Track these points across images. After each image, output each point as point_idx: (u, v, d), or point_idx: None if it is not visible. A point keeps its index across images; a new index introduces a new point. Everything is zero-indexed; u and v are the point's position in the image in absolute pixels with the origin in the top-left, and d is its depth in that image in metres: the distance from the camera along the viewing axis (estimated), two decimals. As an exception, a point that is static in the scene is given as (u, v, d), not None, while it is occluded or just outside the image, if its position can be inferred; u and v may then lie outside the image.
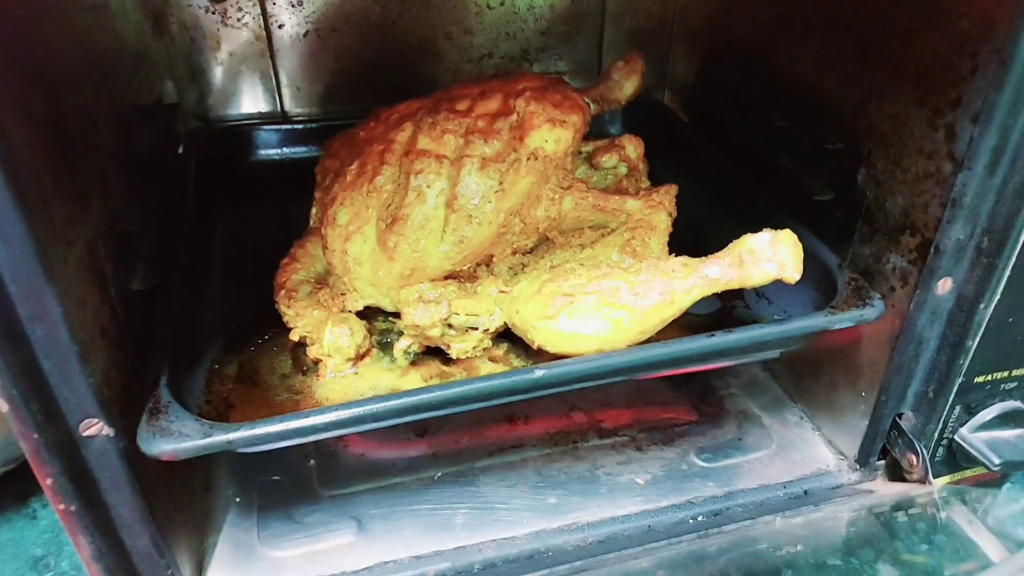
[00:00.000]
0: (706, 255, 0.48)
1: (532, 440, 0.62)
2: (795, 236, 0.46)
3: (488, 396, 0.46)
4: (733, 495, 0.58)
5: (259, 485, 0.57)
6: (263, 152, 0.75)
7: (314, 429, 0.42)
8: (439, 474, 0.59)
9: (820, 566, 0.53)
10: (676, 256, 0.50)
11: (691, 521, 0.56)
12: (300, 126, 0.75)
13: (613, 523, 0.55)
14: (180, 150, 0.67)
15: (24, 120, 0.34)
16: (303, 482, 0.58)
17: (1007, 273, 0.48)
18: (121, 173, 0.48)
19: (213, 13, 0.70)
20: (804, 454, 0.61)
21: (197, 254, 0.58)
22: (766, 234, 0.46)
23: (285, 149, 0.75)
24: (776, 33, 0.62)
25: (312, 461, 0.59)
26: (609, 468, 0.60)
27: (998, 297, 0.49)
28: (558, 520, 0.56)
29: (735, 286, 0.47)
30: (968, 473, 0.60)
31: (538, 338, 0.49)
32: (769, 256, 0.45)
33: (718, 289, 0.47)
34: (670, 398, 0.68)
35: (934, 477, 0.59)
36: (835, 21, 0.55)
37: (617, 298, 0.47)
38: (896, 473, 0.59)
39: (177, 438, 0.41)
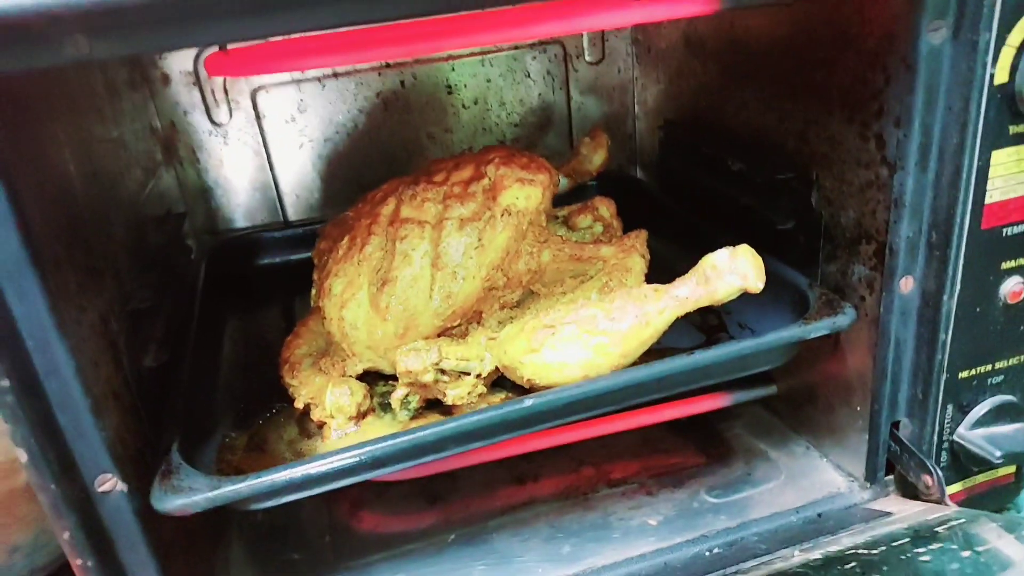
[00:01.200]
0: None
1: (543, 497, 0.63)
2: (751, 248, 0.49)
3: (482, 431, 0.47)
4: (746, 525, 0.57)
5: (277, 564, 0.58)
6: (268, 256, 0.81)
7: (318, 476, 0.44)
8: (452, 536, 0.59)
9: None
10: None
11: (707, 554, 0.55)
12: (301, 230, 0.81)
13: (629, 564, 0.55)
14: (192, 257, 0.73)
15: (38, 195, 0.39)
16: (319, 557, 0.58)
17: (961, 262, 0.50)
18: (133, 262, 0.53)
19: (216, 136, 0.78)
20: (814, 480, 0.61)
21: (208, 339, 0.62)
22: (725, 250, 0.49)
23: (288, 252, 0.80)
24: (720, 90, 0.68)
25: (327, 537, 0.60)
26: (621, 514, 0.60)
27: (959, 287, 0.51)
28: (574, 567, 0.55)
29: (704, 303, 0.49)
30: (980, 479, 0.59)
31: (527, 373, 0.51)
32: (731, 269, 0.48)
33: (689, 307, 0.50)
34: (676, 445, 0.68)
35: (946, 486, 0.58)
36: (767, 67, 0.60)
37: (595, 325, 0.49)
38: (908, 488, 0.58)
39: (187, 493, 0.43)
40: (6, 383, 0.36)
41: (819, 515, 0.58)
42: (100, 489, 0.41)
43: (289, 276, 0.77)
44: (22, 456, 0.37)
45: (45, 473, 0.38)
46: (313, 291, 0.64)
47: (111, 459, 0.41)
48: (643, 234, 0.61)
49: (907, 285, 0.52)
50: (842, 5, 0.50)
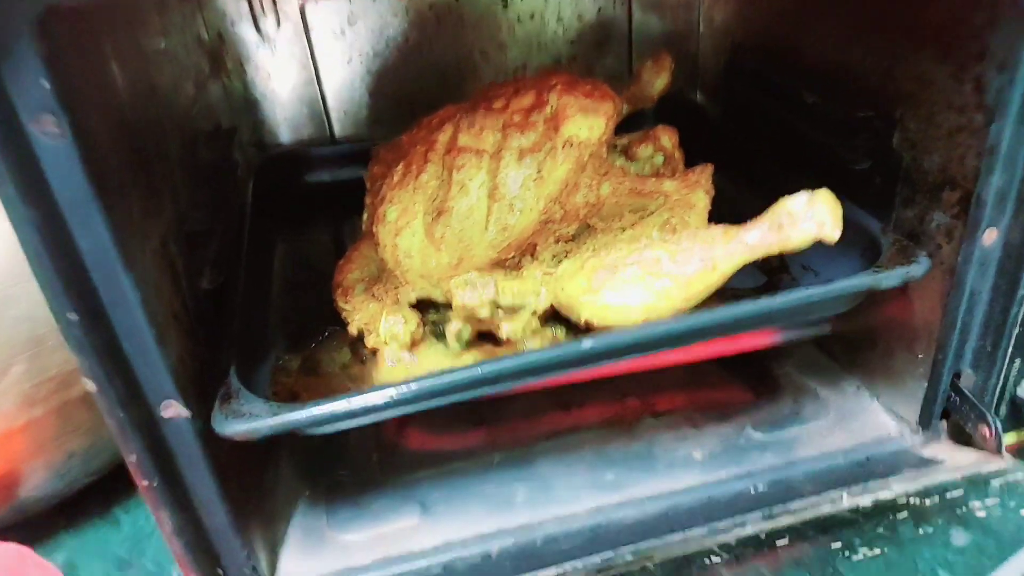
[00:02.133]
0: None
1: (588, 424, 0.63)
2: (832, 194, 0.47)
3: (539, 369, 0.47)
4: (793, 464, 0.57)
5: (326, 481, 0.59)
6: (316, 173, 0.79)
7: (376, 407, 0.44)
8: (497, 458, 0.60)
9: (898, 542, 0.51)
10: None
11: (751, 491, 0.56)
12: (348, 147, 0.79)
13: (672, 496, 0.56)
14: (239, 173, 0.72)
15: (101, 121, 0.38)
16: (368, 474, 0.60)
17: (1051, 215, 0.47)
18: (188, 179, 0.52)
19: (263, 48, 0.75)
20: (864, 422, 0.61)
21: (258, 261, 0.62)
22: (803, 195, 0.47)
23: (336, 169, 0.79)
24: (799, 18, 0.64)
25: (375, 456, 0.62)
26: (665, 445, 0.61)
27: (1046, 241, 0.48)
28: (617, 495, 0.56)
29: (775, 250, 0.48)
30: (1036, 432, 0.58)
31: (584, 313, 0.50)
32: (808, 215, 0.46)
33: (759, 254, 0.48)
34: (724, 380, 0.68)
35: (1001, 435, 0.57)
36: (854, -4, 0.56)
37: (659, 267, 0.48)
38: (960, 435, 0.58)
39: (248, 419, 0.44)
40: (75, 317, 0.36)
41: (867, 458, 0.58)
42: (164, 415, 0.42)
43: (337, 195, 0.76)
44: (90, 386, 0.38)
45: (113, 401, 0.39)
46: (365, 216, 0.63)
47: (174, 385, 0.41)
48: (708, 169, 0.58)
49: (990, 237, 0.49)
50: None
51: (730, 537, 0.51)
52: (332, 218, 0.75)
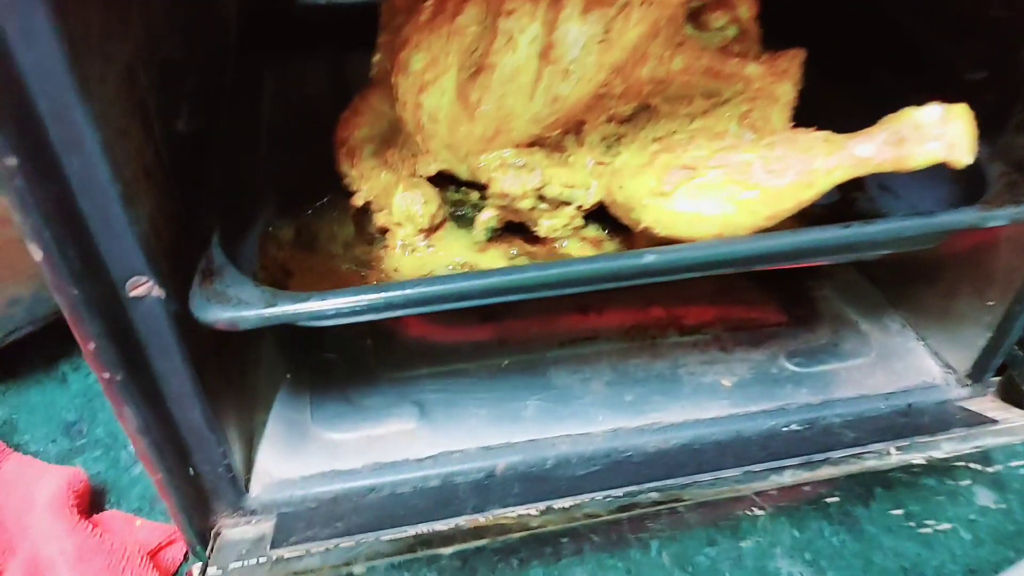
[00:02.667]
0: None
1: (606, 332, 0.57)
2: (970, 112, 0.38)
3: (590, 280, 0.39)
4: (830, 404, 0.52)
5: (312, 362, 0.52)
6: (312, -7, 0.66)
7: (395, 304, 0.36)
8: (506, 362, 0.54)
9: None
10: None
11: (784, 430, 0.51)
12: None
13: (698, 426, 0.50)
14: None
15: None
16: (359, 362, 0.53)
17: None
18: (162, -11, 0.40)
19: None
20: (907, 364, 0.56)
21: (244, 101, 0.51)
22: (936, 107, 0.38)
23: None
24: None
25: (369, 340, 0.54)
26: (692, 367, 0.55)
27: None
28: (637, 419, 0.51)
29: (887, 168, 0.40)
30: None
31: (646, 218, 0.42)
32: (938, 134, 0.38)
33: (867, 171, 0.40)
34: (756, 297, 0.61)
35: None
36: None
37: (748, 175, 0.40)
38: (1010, 393, 0.53)
39: (236, 306, 0.36)
40: (13, 161, 0.26)
41: (909, 405, 0.53)
42: (132, 294, 0.33)
43: (337, 21, 0.64)
44: (35, 253, 0.29)
45: (63, 272, 0.30)
46: (378, 57, 0.52)
47: (144, 258, 0.32)
48: (800, 56, 0.49)
49: (1124, 184, 0.42)
50: None
51: (767, 484, 0.46)
52: (331, 49, 0.63)
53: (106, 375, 0.33)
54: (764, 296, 0.61)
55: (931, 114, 0.38)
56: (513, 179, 0.42)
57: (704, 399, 0.52)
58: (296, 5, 0.65)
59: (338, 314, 0.36)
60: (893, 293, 0.60)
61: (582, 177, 0.44)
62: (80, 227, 0.30)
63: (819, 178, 0.40)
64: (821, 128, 0.44)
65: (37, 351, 0.57)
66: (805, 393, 0.53)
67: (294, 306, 0.35)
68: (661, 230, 0.42)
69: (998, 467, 0.55)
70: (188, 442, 0.39)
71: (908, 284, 0.58)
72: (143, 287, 0.33)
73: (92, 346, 0.32)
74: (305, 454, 0.47)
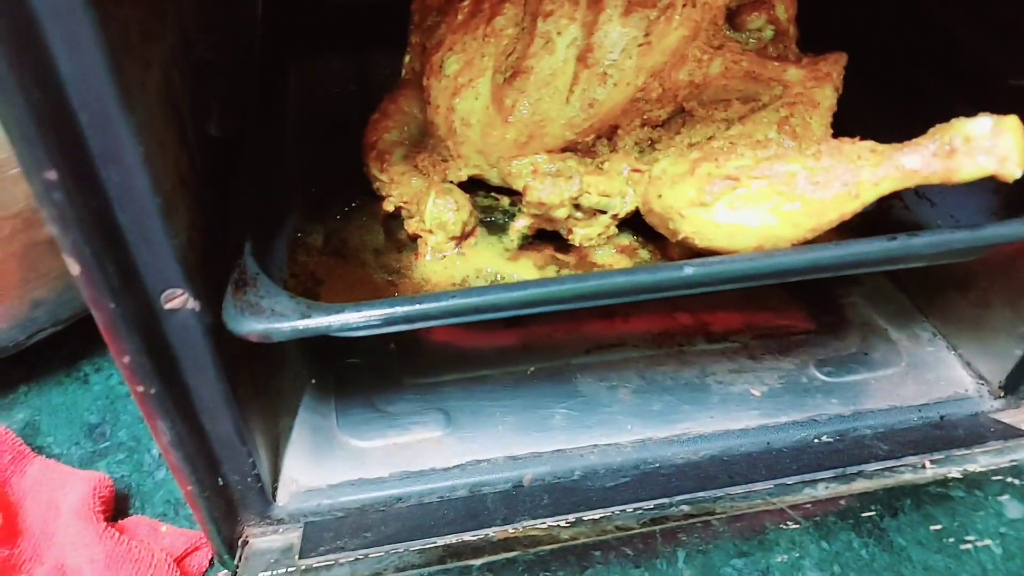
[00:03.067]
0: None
1: (633, 339, 0.56)
2: (1022, 125, 0.37)
3: (628, 292, 0.38)
4: (861, 415, 0.51)
5: (336, 367, 0.51)
6: (337, -12, 0.65)
7: (431, 315, 0.36)
8: (532, 368, 0.53)
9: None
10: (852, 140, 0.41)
11: (815, 441, 0.50)
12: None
13: (728, 437, 0.49)
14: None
15: None
16: (384, 367, 0.52)
17: None
18: (196, -10, 0.39)
19: None
20: (939, 375, 0.55)
21: (271, 102, 0.50)
22: (987, 119, 0.37)
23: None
24: None
25: (393, 345, 0.53)
26: (720, 376, 0.54)
27: None
28: (665, 429, 0.50)
29: (935, 180, 0.39)
30: None
31: (685, 228, 0.41)
32: (988, 147, 0.37)
33: (914, 183, 0.39)
34: (784, 303, 0.60)
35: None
36: None
37: (793, 186, 0.39)
38: (1044, 406, 0.52)
39: (271, 317, 0.35)
40: (53, 175, 0.26)
41: (941, 417, 0.52)
42: (168, 306, 0.32)
43: (362, 16, 0.63)
44: (74, 268, 0.28)
45: (102, 288, 0.29)
46: (408, 58, 0.51)
47: (181, 270, 0.32)
48: (842, 59, 0.48)
49: None
50: None
51: (801, 498, 0.45)
52: (356, 47, 0.62)
53: (140, 388, 0.33)
54: (792, 303, 0.60)
55: (982, 126, 0.37)
56: (551, 188, 0.41)
57: (734, 409, 0.52)
58: (323, 2, 0.64)
59: (371, 326, 0.36)
60: (923, 301, 0.59)
61: (619, 185, 0.43)
62: (118, 241, 0.29)
63: (865, 190, 0.39)
64: (862, 136, 0.43)
65: (58, 351, 0.56)
66: (836, 404, 0.52)
67: (328, 318, 0.35)
68: (700, 241, 0.41)
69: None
70: (218, 453, 0.39)
71: (939, 292, 0.58)
72: (178, 299, 0.32)
73: (127, 360, 0.32)
74: (331, 462, 0.46)
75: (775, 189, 0.39)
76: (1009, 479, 0.55)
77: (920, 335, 0.58)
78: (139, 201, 0.29)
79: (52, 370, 0.56)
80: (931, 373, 0.55)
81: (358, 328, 0.36)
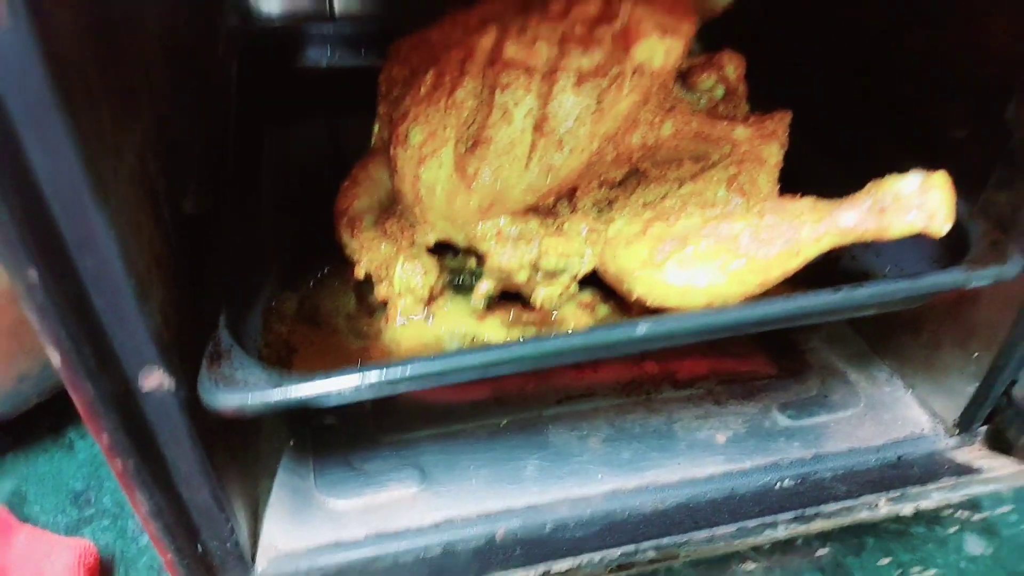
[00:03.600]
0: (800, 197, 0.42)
1: (603, 389, 0.58)
2: (949, 180, 0.40)
3: (586, 351, 0.40)
4: (821, 458, 0.53)
5: (313, 427, 0.53)
6: (310, 57, 0.67)
7: (400, 381, 0.37)
8: (505, 421, 0.55)
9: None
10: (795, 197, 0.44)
11: (777, 487, 0.51)
12: (351, 27, 0.67)
13: (695, 484, 0.51)
14: (220, 50, 0.60)
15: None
16: (359, 426, 0.53)
17: None
18: (167, 66, 0.41)
19: None
20: (895, 415, 0.57)
21: (244, 171, 0.52)
22: (915, 176, 0.40)
23: (334, 52, 0.67)
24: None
25: (368, 405, 0.55)
26: (686, 422, 0.56)
27: None
28: (634, 479, 0.51)
29: (870, 237, 0.41)
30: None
31: (638, 288, 0.43)
32: (918, 204, 0.40)
33: (851, 240, 0.41)
34: (747, 350, 0.63)
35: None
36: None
37: (737, 245, 0.41)
38: (997, 442, 0.54)
39: (243, 388, 0.36)
40: (34, 276, 0.27)
41: (899, 457, 0.54)
42: (145, 387, 0.34)
43: (334, 85, 0.65)
44: (55, 358, 0.30)
45: (81, 370, 0.31)
46: (377, 126, 0.53)
47: (156, 349, 0.33)
48: (787, 118, 0.50)
49: (1100, 245, 0.44)
50: None
51: (761, 540, 0.47)
52: (328, 113, 0.65)
53: (119, 462, 0.34)
54: (755, 349, 0.62)
55: (911, 184, 0.40)
56: (510, 253, 0.44)
57: (699, 455, 0.53)
58: (296, 69, 0.66)
59: (345, 396, 0.37)
60: (879, 343, 0.62)
61: (577, 246, 0.46)
62: (94, 325, 0.31)
63: (806, 247, 0.41)
64: (807, 191, 0.46)
65: (44, 418, 0.57)
66: (797, 447, 0.54)
67: (301, 387, 0.36)
68: (653, 301, 0.43)
69: (986, 514, 0.56)
70: (197, 521, 0.40)
71: (893, 334, 0.60)
72: (154, 378, 0.34)
73: (106, 437, 0.33)
74: (310, 523, 0.47)
75: (722, 247, 0.41)
76: (968, 514, 0.56)
77: (877, 376, 0.60)
78: (114, 285, 0.30)
79: (38, 437, 0.57)
80: (888, 413, 0.57)
81: (332, 397, 0.37)
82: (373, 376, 0.37)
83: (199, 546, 0.40)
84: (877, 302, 0.44)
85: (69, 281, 0.29)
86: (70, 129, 0.27)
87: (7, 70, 0.25)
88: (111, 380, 0.32)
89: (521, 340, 0.39)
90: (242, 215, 0.47)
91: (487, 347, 0.39)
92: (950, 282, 0.45)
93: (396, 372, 0.37)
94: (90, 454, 0.56)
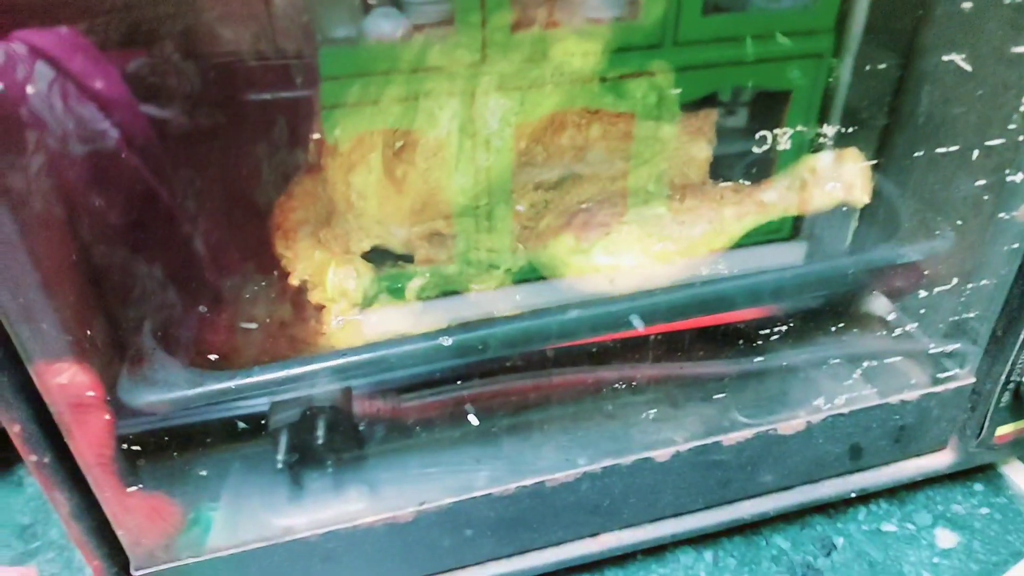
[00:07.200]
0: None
1: (558, 396, 0.57)
2: (862, 155, 0.41)
3: (517, 341, 0.40)
4: (781, 450, 0.52)
5: (262, 447, 0.52)
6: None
7: (317, 376, 0.37)
8: (458, 434, 0.54)
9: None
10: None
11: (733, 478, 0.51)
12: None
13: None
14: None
15: None
16: (308, 443, 0.52)
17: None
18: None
19: None
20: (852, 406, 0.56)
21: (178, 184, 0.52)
22: (828, 153, 0.41)
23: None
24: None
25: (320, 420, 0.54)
26: (643, 427, 0.55)
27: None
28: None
29: (794, 212, 0.42)
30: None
31: (569, 275, 0.43)
32: (834, 176, 0.40)
33: (775, 216, 0.42)
34: (704, 352, 0.62)
35: (997, 425, 0.54)
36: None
37: (660, 228, 0.41)
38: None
39: (162, 388, 0.36)
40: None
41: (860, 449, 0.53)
42: (56, 381, 0.33)
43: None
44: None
45: (-16, 362, 0.31)
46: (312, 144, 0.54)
47: (68, 344, 0.33)
48: (713, 115, 0.51)
49: (1025, 213, 0.44)
50: None
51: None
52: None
53: (33, 457, 0.34)
54: (711, 350, 0.62)
55: (825, 159, 0.40)
56: (437, 245, 0.44)
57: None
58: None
59: (261, 387, 0.37)
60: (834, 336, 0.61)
61: (508, 242, 0.46)
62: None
63: (729, 225, 0.41)
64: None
65: (-7, 455, 0.57)
66: (758, 444, 0.53)
67: (219, 384, 0.36)
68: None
69: (957, 508, 0.55)
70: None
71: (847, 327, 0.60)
72: (67, 374, 0.33)
73: (17, 429, 0.33)
74: (251, 537, 0.46)
75: (645, 231, 0.41)
76: (940, 508, 0.55)
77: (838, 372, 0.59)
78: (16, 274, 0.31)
79: (-13, 474, 0.56)
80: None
81: (251, 391, 0.37)
82: (286, 371, 0.37)
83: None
84: (808, 281, 0.44)
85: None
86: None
87: None
88: (17, 370, 0.32)
89: (446, 331, 0.39)
90: (176, 228, 0.47)
91: (402, 339, 0.39)
92: (881, 258, 0.45)
93: (309, 366, 0.37)
94: (38, 489, 0.55)
